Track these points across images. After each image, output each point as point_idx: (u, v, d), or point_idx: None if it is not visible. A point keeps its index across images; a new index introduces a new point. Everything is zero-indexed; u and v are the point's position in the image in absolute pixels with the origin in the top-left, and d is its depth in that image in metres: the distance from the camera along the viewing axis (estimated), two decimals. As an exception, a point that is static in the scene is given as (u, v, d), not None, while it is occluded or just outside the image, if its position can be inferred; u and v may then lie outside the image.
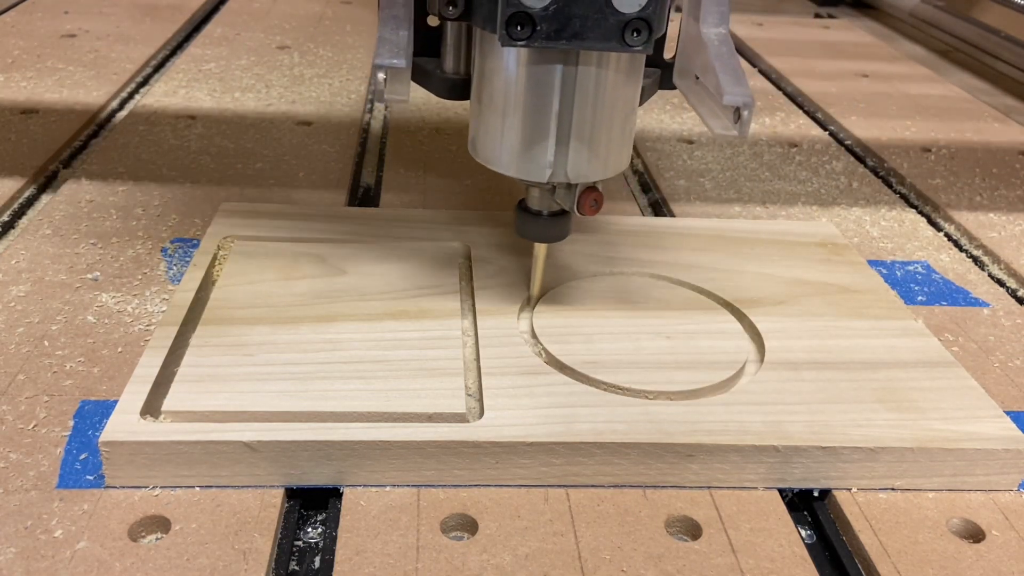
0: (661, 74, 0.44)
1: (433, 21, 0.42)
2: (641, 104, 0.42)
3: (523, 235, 0.43)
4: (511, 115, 0.39)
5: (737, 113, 0.36)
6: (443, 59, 0.44)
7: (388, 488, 0.36)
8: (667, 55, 0.44)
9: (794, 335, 0.44)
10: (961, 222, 0.61)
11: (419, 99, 0.78)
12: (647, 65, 0.42)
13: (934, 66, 1.01)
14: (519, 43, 0.35)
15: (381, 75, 0.35)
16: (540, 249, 0.44)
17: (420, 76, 0.44)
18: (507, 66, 0.38)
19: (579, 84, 0.38)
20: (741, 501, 0.37)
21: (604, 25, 0.35)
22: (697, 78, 0.40)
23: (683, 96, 0.42)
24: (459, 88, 0.43)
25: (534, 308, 0.44)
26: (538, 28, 0.35)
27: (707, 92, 0.39)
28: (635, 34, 0.35)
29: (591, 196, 0.40)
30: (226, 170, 0.62)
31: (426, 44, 0.44)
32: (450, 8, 0.38)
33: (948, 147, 0.74)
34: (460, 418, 0.37)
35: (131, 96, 0.77)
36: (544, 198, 0.42)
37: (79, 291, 0.47)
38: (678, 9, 0.42)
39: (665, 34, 0.41)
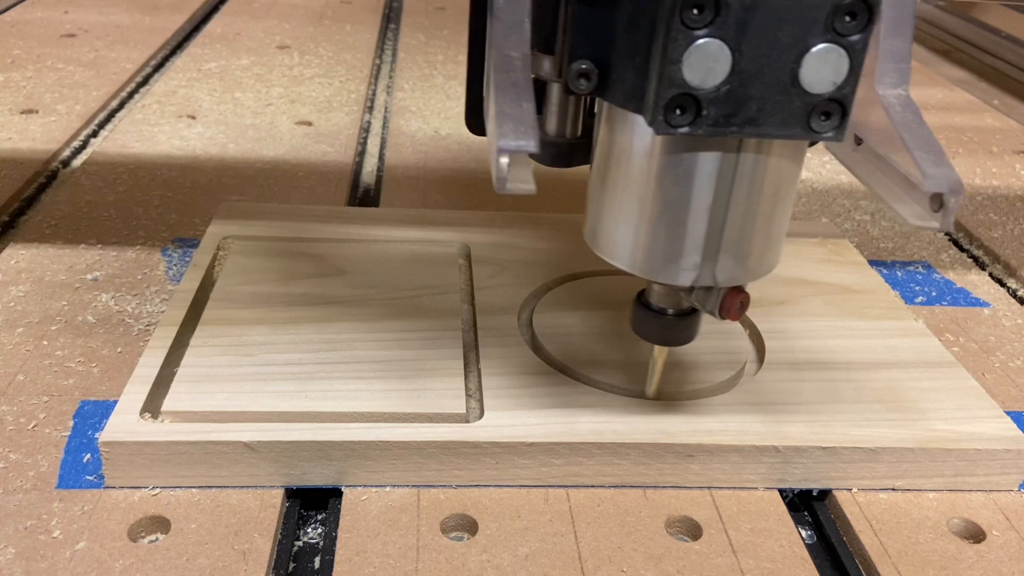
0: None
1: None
2: None
3: (641, 335, 0.37)
4: (650, 209, 0.32)
5: (939, 201, 0.29)
6: (545, 118, 0.37)
7: (388, 488, 0.36)
8: None
9: (794, 335, 0.44)
10: (961, 222, 0.61)
11: (419, 100, 0.78)
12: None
13: (934, 65, 1.01)
14: (678, 130, 0.28)
15: (504, 160, 0.27)
16: (660, 353, 0.38)
17: None
18: (648, 150, 0.31)
19: (739, 174, 0.31)
20: (741, 501, 0.37)
21: (787, 108, 0.28)
22: (859, 143, 0.33)
23: (842, 162, 0.35)
24: (565, 155, 0.37)
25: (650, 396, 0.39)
26: (704, 113, 0.28)
27: (885, 167, 0.32)
28: (824, 118, 0.28)
29: (737, 298, 0.33)
30: (226, 170, 0.62)
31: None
32: (582, 81, 0.31)
33: (948, 147, 0.74)
34: (460, 418, 0.37)
35: (131, 96, 0.77)
36: (670, 295, 0.35)
37: (79, 291, 0.47)
38: None
39: None
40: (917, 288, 0.53)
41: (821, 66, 0.28)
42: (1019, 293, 0.54)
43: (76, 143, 0.66)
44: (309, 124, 0.71)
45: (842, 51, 0.27)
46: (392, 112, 0.76)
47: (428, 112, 0.76)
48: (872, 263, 0.55)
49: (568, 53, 0.31)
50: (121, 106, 0.74)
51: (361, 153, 0.68)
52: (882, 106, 0.32)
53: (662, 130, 0.28)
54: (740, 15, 0.27)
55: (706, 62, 0.27)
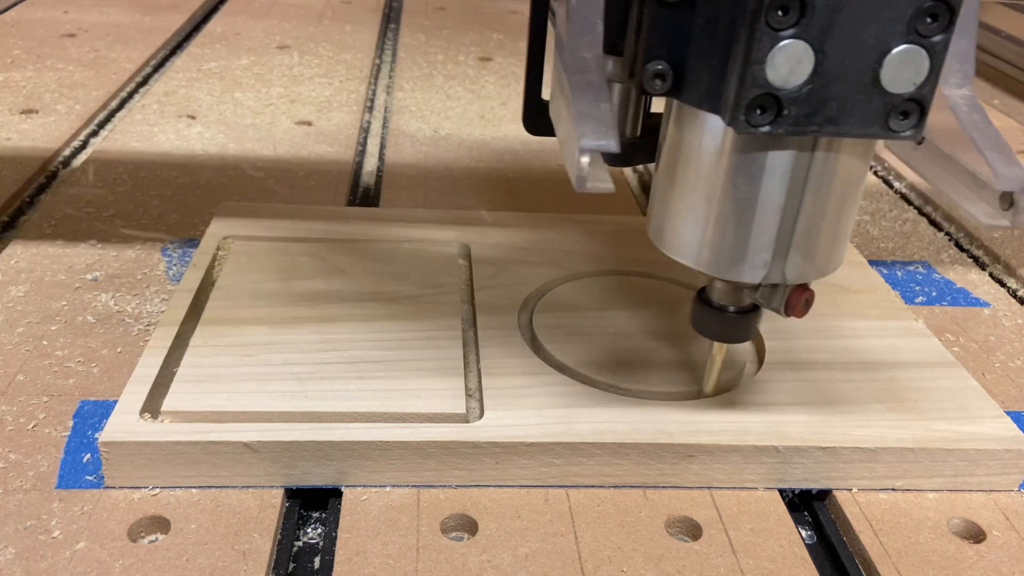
0: None
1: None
2: None
3: (701, 331, 0.37)
4: (720, 207, 0.32)
5: (1009, 199, 0.30)
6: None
7: (388, 488, 0.36)
8: None
9: (794, 335, 0.44)
10: (961, 222, 0.61)
11: (419, 100, 0.78)
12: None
13: (934, 66, 1.00)
14: (760, 129, 0.28)
15: (585, 160, 0.28)
16: (719, 349, 0.38)
17: None
18: (720, 149, 0.31)
19: (812, 173, 0.31)
20: (741, 501, 0.37)
21: (867, 108, 0.28)
22: (920, 142, 0.34)
23: (904, 161, 0.35)
24: (625, 154, 0.37)
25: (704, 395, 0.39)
26: (785, 112, 0.28)
27: (950, 166, 0.33)
28: (902, 117, 0.29)
29: (803, 296, 0.33)
30: (226, 170, 0.62)
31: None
32: (657, 81, 0.31)
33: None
34: (460, 418, 0.37)
35: (131, 96, 0.77)
36: (732, 293, 0.35)
37: (79, 291, 0.47)
38: None
39: None
40: (917, 288, 0.53)
41: (902, 67, 0.28)
42: (1019, 293, 0.54)
43: (76, 143, 0.66)
44: (309, 124, 0.71)
45: (923, 52, 0.28)
46: (392, 112, 0.76)
47: (428, 112, 0.76)
48: (872, 263, 0.55)
49: (643, 54, 0.31)
50: (121, 106, 0.74)
51: (361, 153, 0.68)
52: (949, 106, 0.32)
53: (742, 129, 0.28)
54: (825, 17, 0.27)
55: (789, 63, 0.27)
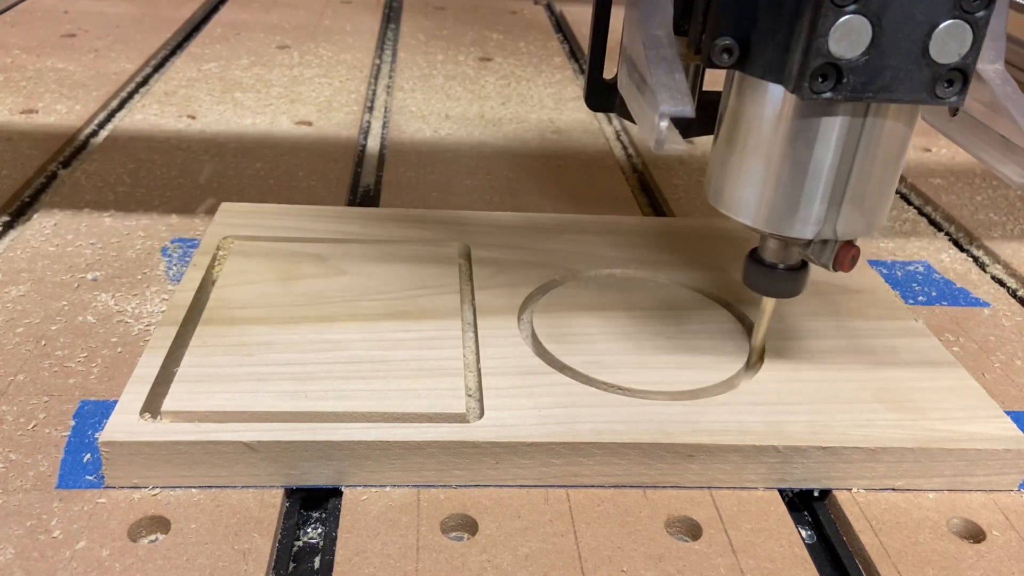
0: None
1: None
2: None
3: (755, 288, 0.40)
4: (778, 168, 0.35)
5: None
6: None
7: (388, 488, 0.36)
8: None
9: (794, 335, 0.44)
10: (961, 222, 0.61)
11: (419, 100, 0.78)
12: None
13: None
14: (822, 96, 0.32)
15: (664, 124, 0.32)
16: (768, 304, 0.41)
17: (625, 110, 0.41)
18: (778, 114, 0.35)
19: (864, 136, 0.34)
20: (741, 501, 0.37)
21: (918, 76, 0.32)
22: (954, 113, 0.37)
23: (940, 131, 0.39)
24: (683, 128, 0.40)
25: (753, 365, 0.42)
26: (844, 80, 0.32)
27: (985, 133, 0.36)
28: (947, 85, 0.32)
29: (850, 252, 0.37)
30: (226, 170, 0.62)
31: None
32: (725, 56, 0.34)
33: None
34: (460, 418, 0.37)
35: (131, 96, 0.77)
36: (782, 250, 0.38)
37: (79, 291, 0.47)
38: None
39: None
40: (917, 288, 0.53)
41: (948, 39, 0.31)
42: (1019, 293, 0.54)
43: (76, 143, 0.66)
44: (309, 124, 0.71)
45: (967, 26, 0.31)
46: (392, 112, 0.76)
47: (428, 112, 0.76)
48: (872, 263, 0.55)
49: (712, 31, 0.34)
50: (121, 106, 0.74)
51: (361, 153, 0.68)
52: (984, 79, 0.35)
53: (806, 96, 0.32)
54: None
55: (850, 35, 0.31)
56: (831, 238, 0.37)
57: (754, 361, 0.42)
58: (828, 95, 0.32)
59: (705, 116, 0.39)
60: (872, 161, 0.35)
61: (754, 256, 0.39)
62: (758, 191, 0.36)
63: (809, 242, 0.37)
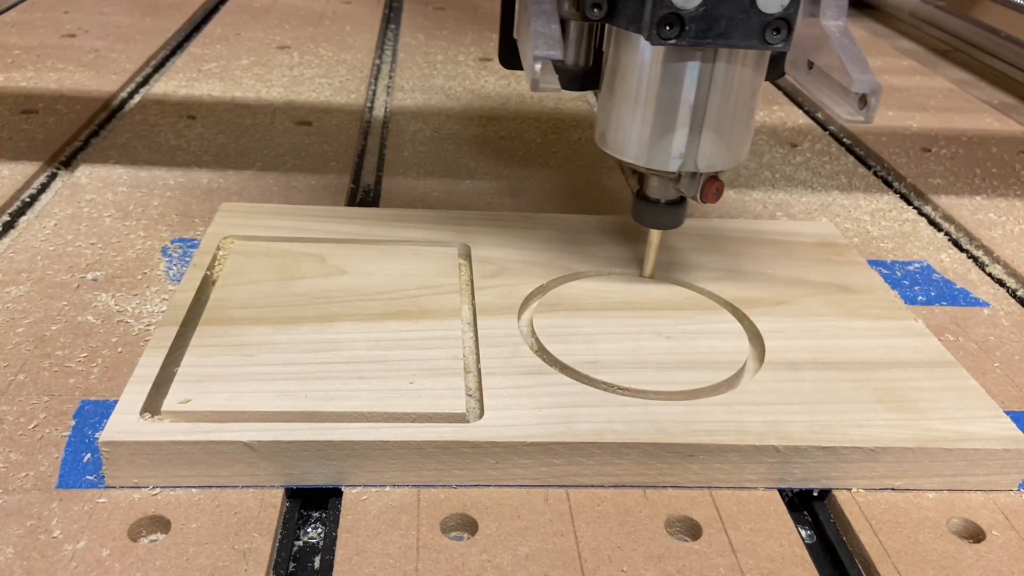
0: (768, 65, 0.45)
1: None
2: None
3: (641, 222, 0.46)
4: (646, 108, 0.41)
5: (863, 100, 0.38)
6: (566, 52, 0.46)
7: (388, 488, 0.36)
8: None
9: (794, 335, 0.44)
10: (961, 222, 0.61)
11: (419, 100, 0.78)
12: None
13: (935, 65, 1.01)
14: (668, 42, 0.37)
15: (538, 66, 0.37)
16: (655, 235, 0.46)
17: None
18: (644, 62, 0.40)
19: (714, 79, 0.40)
20: (741, 501, 0.37)
21: (747, 24, 0.37)
22: (811, 67, 0.42)
23: (799, 85, 0.45)
24: (579, 79, 0.46)
25: (646, 279, 0.47)
26: (686, 28, 0.37)
27: (828, 80, 0.41)
28: (775, 32, 0.37)
29: (714, 185, 0.42)
30: (226, 170, 0.62)
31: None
32: (595, 10, 0.39)
33: (948, 147, 0.74)
34: (460, 418, 0.37)
35: (131, 96, 0.77)
36: (663, 187, 0.44)
37: (79, 291, 0.47)
38: None
39: None
40: (917, 288, 0.53)
41: None
42: (1019, 293, 0.54)
43: (76, 143, 0.66)
44: (309, 124, 0.71)
45: None
46: (392, 112, 0.76)
47: (428, 112, 0.76)
48: (872, 263, 0.55)
49: None
50: (121, 106, 0.74)
51: (361, 152, 0.68)
52: (825, 33, 0.41)
53: (656, 42, 0.37)
54: None
55: None
56: (694, 171, 0.42)
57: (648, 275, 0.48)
58: (673, 41, 0.37)
59: (600, 69, 0.46)
60: (723, 101, 0.41)
61: (639, 194, 0.45)
62: (631, 131, 0.42)
63: (679, 177, 0.43)
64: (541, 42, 0.38)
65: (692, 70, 0.40)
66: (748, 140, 0.43)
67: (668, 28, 0.37)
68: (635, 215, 0.46)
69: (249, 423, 0.36)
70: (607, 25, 0.43)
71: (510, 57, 0.50)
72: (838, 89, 0.40)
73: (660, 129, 0.41)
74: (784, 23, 0.37)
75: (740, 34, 0.37)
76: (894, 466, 0.37)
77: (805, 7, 0.42)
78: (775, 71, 0.45)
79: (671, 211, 0.45)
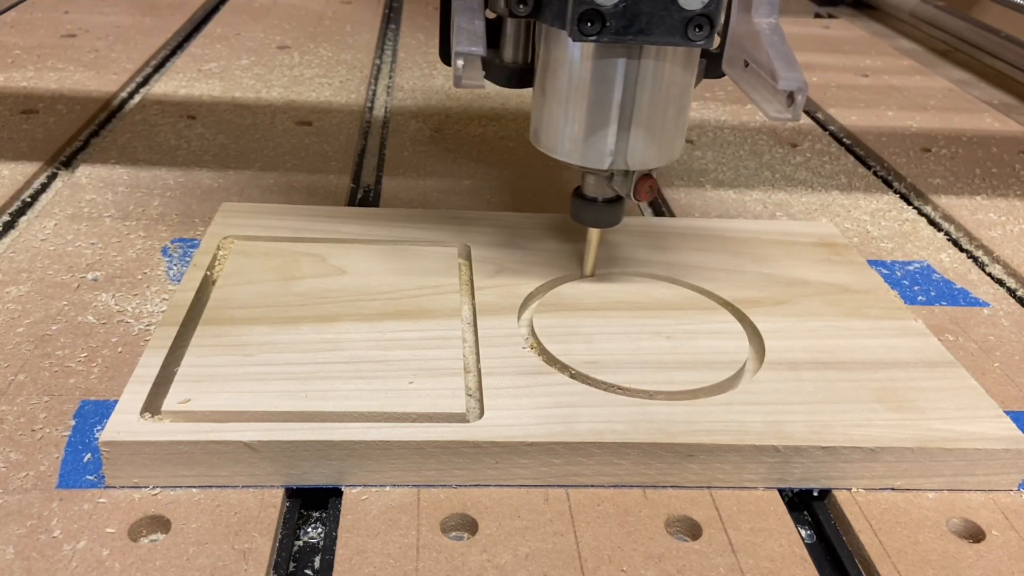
0: (707, 63, 0.45)
1: (491, 14, 0.44)
2: None
3: (578, 220, 0.45)
4: (575, 105, 0.41)
5: (791, 97, 0.38)
6: (502, 49, 0.46)
7: (388, 488, 0.36)
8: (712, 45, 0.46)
9: (794, 335, 0.44)
10: (961, 222, 0.61)
11: (419, 100, 0.78)
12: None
13: (934, 65, 1.01)
14: (589, 38, 0.37)
15: (460, 62, 0.37)
16: (594, 234, 0.46)
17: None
18: (572, 59, 0.40)
19: (641, 76, 0.40)
20: (741, 501, 0.37)
21: (669, 21, 0.37)
22: (746, 65, 0.42)
23: (734, 84, 0.44)
24: (517, 77, 0.46)
25: (586, 278, 0.47)
26: (607, 24, 0.37)
27: (759, 78, 0.40)
28: (697, 29, 0.37)
29: (647, 183, 0.42)
30: (226, 170, 0.62)
31: (486, 35, 0.45)
32: (520, 6, 0.40)
33: (948, 147, 0.74)
34: (460, 418, 0.37)
35: (131, 96, 0.77)
36: (599, 185, 0.44)
37: (79, 291, 0.47)
38: None
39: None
40: (917, 288, 0.53)
41: None
42: (1019, 293, 0.54)
43: (76, 143, 0.66)
44: (309, 124, 0.71)
45: None
46: (392, 112, 0.76)
47: (428, 112, 0.76)
48: (872, 263, 0.55)
49: None
50: (122, 106, 0.74)
51: (361, 152, 0.68)
52: (756, 31, 0.40)
53: (577, 38, 0.37)
54: None
55: None
56: (624, 168, 0.42)
57: (588, 274, 0.47)
58: (594, 37, 0.37)
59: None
60: (650, 98, 0.40)
61: (577, 192, 0.45)
62: (562, 129, 0.42)
63: (611, 175, 0.43)
64: (464, 38, 0.38)
65: (619, 67, 0.40)
66: (681, 137, 0.43)
67: (589, 24, 0.37)
68: (573, 214, 0.45)
69: (249, 423, 0.36)
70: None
71: (449, 53, 0.49)
72: (768, 87, 0.39)
73: (590, 127, 0.41)
74: (706, 19, 0.37)
75: (661, 31, 0.37)
76: (894, 466, 0.37)
77: (741, 3, 0.42)
78: (713, 70, 0.45)
79: (609, 209, 0.45)
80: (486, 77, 0.45)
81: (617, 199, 0.44)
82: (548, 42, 0.42)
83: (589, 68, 0.40)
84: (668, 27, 0.37)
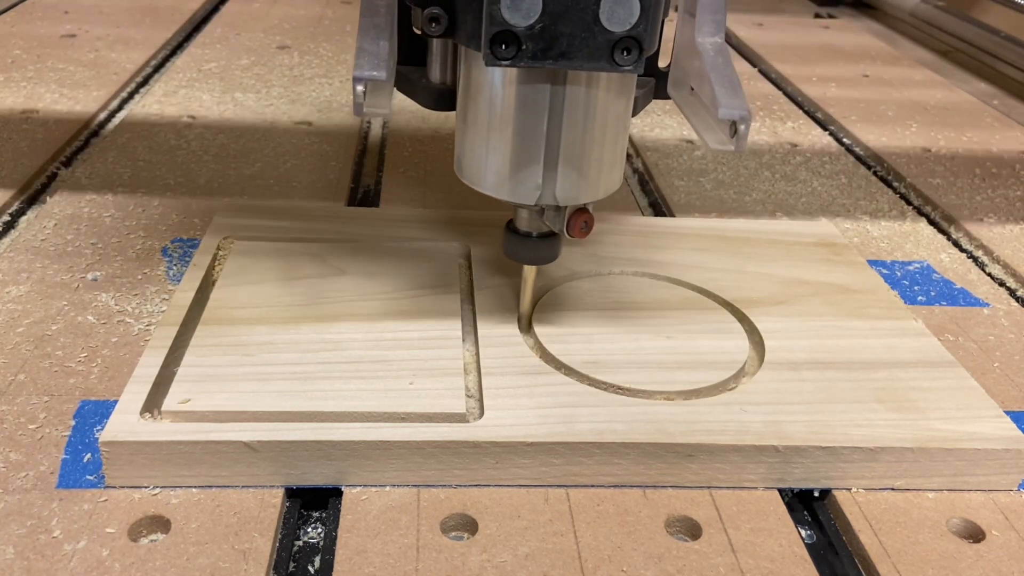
0: (656, 84, 0.42)
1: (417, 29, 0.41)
2: (634, 116, 0.40)
3: (511, 256, 0.41)
4: (498, 135, 0.37)
5: (733, 127, 0.34)
6: (429, 68, 0.42)
7: (388, 488, 0.36)
8: (662, 63, 0.42)
9: (794, 335, 0.44)
10: (961, 222, 0.61)
11: (419, 99, 0.78)
12: (642, 75, 0.41)
13: (934, 66, 1.01)
14: (504, 62, 0.33)
15: (360, 87, 0.33)
16: (529, 272, 0.42)
17: (405, 85, 0.42)
18: (493, 85, 0.37)
19: (567, 104, 0.36)
20: (741, 501, 0.37)
21: (592, 44, 0.33)
22: (692, 89, 0.38)
23: (677, 108, 0.40)
24: (446, 99, 0.42)
25: (525, 329, 0.43)
26: (523, 47, 0.33)
27: (702, 104, 0.37)
28: (625, 53, 0.33)
29: (581, 218, 0.38)
30: (226, 170, 0.62)
31: (412, 52, 0.42)
32: (433, 25, 0.36)
33: (948, 147, 0.74)
34: (460, 418, 0.37)
35: (131, 96, 0.77)
36: (533, 219, 0.40)
37: (79, 291, 0.47)
38: (675, 8, 0.40)
39: (660, 44, 0.39)
40: (917, 288, 0.53)
41: (616, 7, 0.33)
42: (1019, 293, 0.54)
43: (76, 143, 0.66)
44: (309, 124, 0.71)
45: None
46: (392, 112, 0.76)
47: (428, 112, 0.75)
48: (872, 263, 0.55)
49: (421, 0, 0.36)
50: (121, 106, 0.74)
51: (361, 153, 0.68)
52: (699, 51, 0.37)
53: (491, 62, 0.33)
54: None
55: (522, 4, 0.32)
56: (553, 203, 0.38)
57: (524, 327, 0.43)
58: (508, 62, 0.33)
59: None
60: (579, 128, 0.37)
61: (510, 226, 0.41)
62: (484, 159, 0.38)
63: (543, 210, 0.39)
64: (364, 61, 0.34)
65: (543, 93, 0.36)
66: (618, 169, 0.39)
67: (503, 47, 0.33)
68: (506, 250, 0.41)
69: (249, 423, 0.36)
70: None
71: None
72: (711, 114, 0.35)
73: (514, 159, 0.37)
74: (634, 42, 0.33)
75: (584, 55, 0.33)
76: (894, 466, 0.37)
77: (685, 22, 0.38)
78: (658, 91, 0.42)
79: (544, 245, 0.40)
80: (413, 98, 0.42)
81: (553, 234, 0.40)
82: (468, 64, 0.38)
83: (512, 94, 0.36)
84: (592, 51, 0.33)
